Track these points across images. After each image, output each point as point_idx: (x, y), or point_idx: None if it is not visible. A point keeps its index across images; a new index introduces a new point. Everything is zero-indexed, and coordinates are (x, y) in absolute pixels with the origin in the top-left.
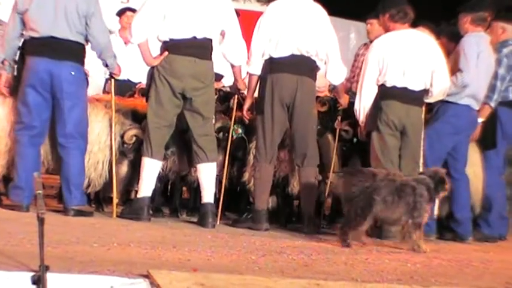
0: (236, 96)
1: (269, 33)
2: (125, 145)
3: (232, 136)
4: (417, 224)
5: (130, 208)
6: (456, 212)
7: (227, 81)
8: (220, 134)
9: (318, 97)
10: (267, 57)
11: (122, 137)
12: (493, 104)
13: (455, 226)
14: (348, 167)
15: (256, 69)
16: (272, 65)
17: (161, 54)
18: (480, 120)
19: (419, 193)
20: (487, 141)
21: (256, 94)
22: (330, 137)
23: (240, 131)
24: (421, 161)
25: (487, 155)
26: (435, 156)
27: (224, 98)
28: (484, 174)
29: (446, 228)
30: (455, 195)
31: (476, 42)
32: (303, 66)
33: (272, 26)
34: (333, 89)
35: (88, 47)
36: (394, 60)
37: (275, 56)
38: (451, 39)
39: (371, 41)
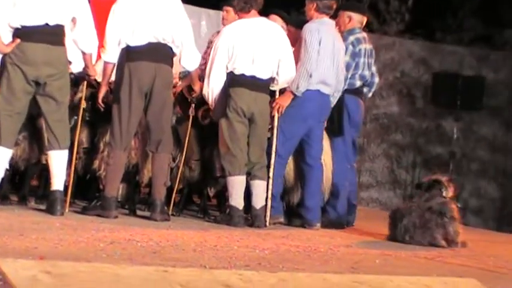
0: (86, 82)
1: (124, 21)
2: None
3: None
4: None
5: None
6: (307, 199)
7: (75, 68)
8: None
9: (188, 86)
10: (123, 45)
11: None
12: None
13: (304, 212)
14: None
15: (112, 57)
16: (129, 54)
17: (13, 41)
18: None
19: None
20: (334, 129)
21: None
22: (186, 124)
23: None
24: (274, 147)
25: (335, 142)
26: (288, 143)
27: (75, 82)
28: (333, 161)
29: (295, 214)
30: (307, 182)
31: (317, 29)
32: (160, 54)
33: (127, 13)
34: (183, 76)
35: None
36: (243, 48)
37: (132, 44)
38: (298, 27)
39: None
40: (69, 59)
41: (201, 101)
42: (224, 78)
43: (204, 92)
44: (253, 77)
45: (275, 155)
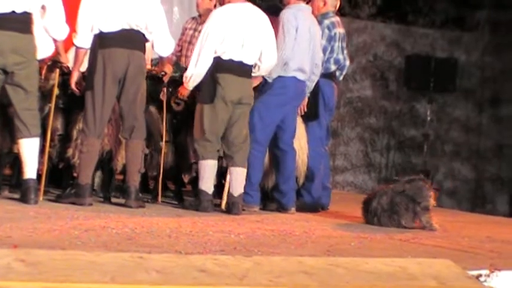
0: (58, 70)
1: (97, 7)
2: None
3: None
4: None
5: None
6: (281, 184)
7: (40, 55)
8: None
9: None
10: (96, 31)
11: None
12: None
13: (279, 197)
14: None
15: (84, 43)
16: (102, 40)
17: None
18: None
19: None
20: (309, 113)
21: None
22: (153, 110)
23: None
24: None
25: (310, 126)
26: (266, 130)
27: (50, 69)
28: (308, 146)
29: (270, 199)
30: (281, 167)
31: (294, 15)
32: (133, 40)
33: (99, 0)
34: (156, 63)
35: None
36: (233, 32)
37: (105, 30)
38: (273, 14)
39: (200, 15)
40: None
41: (172, 87)
42: (211, 62)
43: (187, 74)
44: (240, 62)
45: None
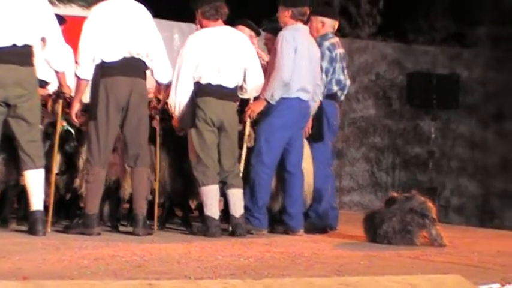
0: (61, 101)
1: (97, 37)
2: None
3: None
4: None
5: None
6: (289, 206)
7: (53, 87)
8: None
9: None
10: (98, 61)
11: None
12: (321, 97)
13: (287, 219)
14: None
15: (87, 74)
16: (104, 69)
17: None
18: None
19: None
20: (314, 134)
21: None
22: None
23: (64, 123)
24: (243, 155)
25: (315, 147)
26: (272, 152)
27: (54, 102)
28: (314, 167)
29: (278, 221)
30: (288, 190)
31: (293, 36)
32: (135, 69)
33: (99, 30)
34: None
35: None
36: (208, 57)
37: (107, 60)
38: (275, 35)
39: None
40: (47, 80)
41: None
42: (191, 88)
43: (170, 102)
44: (219, 86)
45: (245, 162)
